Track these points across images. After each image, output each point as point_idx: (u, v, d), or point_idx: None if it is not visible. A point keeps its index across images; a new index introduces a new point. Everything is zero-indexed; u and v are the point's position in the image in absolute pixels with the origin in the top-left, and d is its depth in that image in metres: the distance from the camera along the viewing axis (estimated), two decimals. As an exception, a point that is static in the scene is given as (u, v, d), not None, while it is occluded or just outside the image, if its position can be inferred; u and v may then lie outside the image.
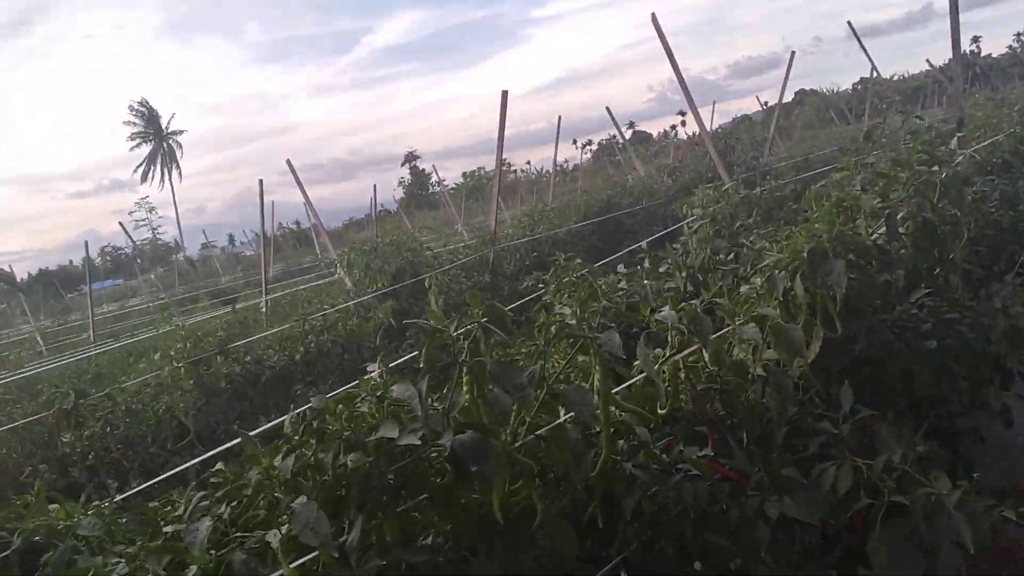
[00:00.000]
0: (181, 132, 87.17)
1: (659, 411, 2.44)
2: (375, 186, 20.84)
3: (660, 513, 2.15)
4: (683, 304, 2.48)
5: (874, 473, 2.44)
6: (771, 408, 2.64)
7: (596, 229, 10.26)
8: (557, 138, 17.16)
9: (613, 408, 2.17)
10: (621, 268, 4.83)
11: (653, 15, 7.00)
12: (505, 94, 8.11)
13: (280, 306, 10.73)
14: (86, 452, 5.34)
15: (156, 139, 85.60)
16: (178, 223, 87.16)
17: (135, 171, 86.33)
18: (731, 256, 4.04)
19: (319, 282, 13.80)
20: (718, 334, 2.58)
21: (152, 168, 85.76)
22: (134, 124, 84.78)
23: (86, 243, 14.89)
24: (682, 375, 2.43)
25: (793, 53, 12.31)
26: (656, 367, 2.37)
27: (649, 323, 2.58)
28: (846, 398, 2.70)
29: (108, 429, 5.38)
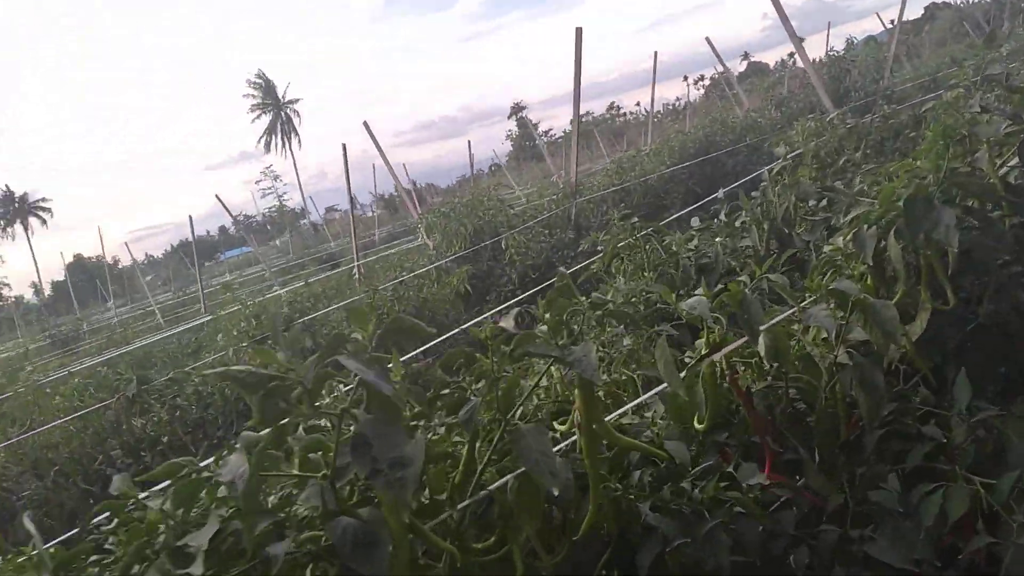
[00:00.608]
0: (297, 100, 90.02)
1: (697, 426, 1.88)
2: (469, 142, 20.41)
3: (691, 570, 1.62)
4: (728, 284, 1.89)
5: (998, 497, 1.81)
6: (858, 407, 2.03)
7: (694, 172, 9.43)
8: (654, 76, 16.12)
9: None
10: (695, 221, 4.19)
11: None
12: (579, 32, 7.42)
13: (373, 271, 10.64)
14: (157, 437, 5.30)
15: (275, 109, 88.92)
16: (300, 189, 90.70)
17: (259, 141, 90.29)
18: (823, 203, 3.32)
19: (411, 245, 13.69)
20: (780, 317, 1.98)
21: (273, 137, 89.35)
22: (253, 96, 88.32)
23: (190, 217, 15.26)
24: (726, 376, 1.86)
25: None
26: (687, 371, 1.81)
27: (679, 313, 2.00)
28: (962, 392, 2.04)
29: (177, 413, 5.31)
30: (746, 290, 1.86)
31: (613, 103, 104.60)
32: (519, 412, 1.64)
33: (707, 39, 13.71)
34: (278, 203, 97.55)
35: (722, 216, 3.84)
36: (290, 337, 1.31)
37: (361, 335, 1.38)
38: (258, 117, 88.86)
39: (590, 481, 1.50)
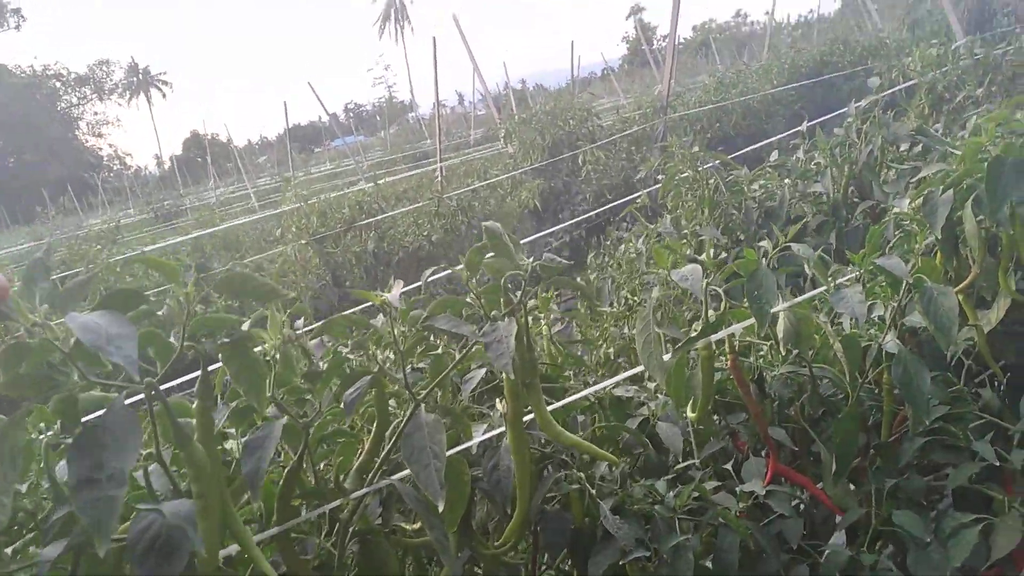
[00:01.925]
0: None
1: (689, 414, 1.60)
2: (572, 43, 19.42)
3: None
4: (745, 249, 1.56)
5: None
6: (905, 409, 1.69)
7: (803, 94, 8.63)
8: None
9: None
10: (775, 156, 3.73)
11: None
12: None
13: (455, 175, 10.43)
14: (215, 326, 5.37)
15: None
16: (409, 81, 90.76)
17: (372, 25, 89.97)
18: (917, 148, 2.83)
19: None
20: (802, 298, 1.64)
21: (387, 24, 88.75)
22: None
23: (284, 104, 15.35)
24: (726, 361, 1.55)
25: None
26: (674, 351, 1.51)
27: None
28: (1032, 407, 1.67)
29: (234, 303, 5.35)
30: (764, 259, 1.52)
31: (740, 10, 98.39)
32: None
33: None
34: (387, 94, 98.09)
35: (800, 153, 3.37)
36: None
37: (180, 294, 1.13)
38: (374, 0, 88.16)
39: (516, 482, 1.27)
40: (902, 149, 2.83)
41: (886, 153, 2.80)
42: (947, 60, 4.79)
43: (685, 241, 2.93)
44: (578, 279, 3.50)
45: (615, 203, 7.14)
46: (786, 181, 2.95)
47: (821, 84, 8.62)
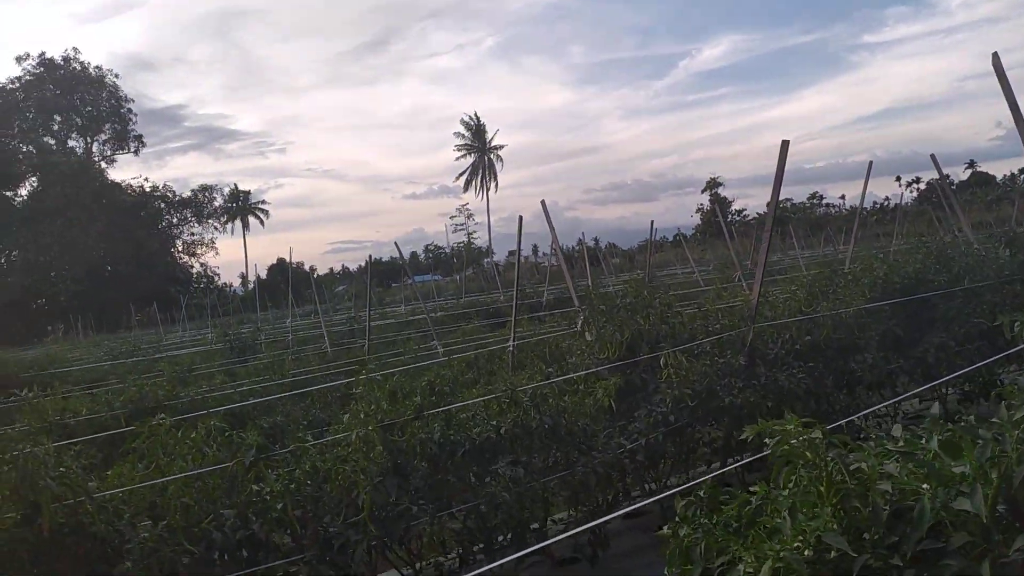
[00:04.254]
0: (502, 147, 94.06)
1: None
2: (652, 222, 19.75)
3: None
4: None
5: None
6: None
7: (897, 310, 8.30)
8: (867, 180, 14.78)
9: None
10: (898, 430, 3.36)
11: (995, 55, 5.23)
12: (785, 144, 6.74)
13: (528, 350, 10.21)
14: (268, 506, 5.15)
15: (480, 151, 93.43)
16: (489, 230, 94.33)
17: (457, 179, 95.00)
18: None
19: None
20: None
21: (474, 178, 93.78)
22: (463, 136, 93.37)
23: (396, 244, 15.75)
24: None
25: None
26: None
27: None
28: None
29: (293, 486, 5.13)
30: None
31: (816, 192, 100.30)
32: None
33: (932, 156, 12.33)
34: (467, 239, 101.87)
35: (934, 440, 3.01)
36: None
37: None
38: (463, 155, 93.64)
39: None
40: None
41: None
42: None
43: (801, 542, 2.57)
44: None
45: (695, 409, 6.80)
46: (924, 487, 2.59)
47: (916, 301, 8.31)
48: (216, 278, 79.25)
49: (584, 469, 6.28)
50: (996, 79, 5.37)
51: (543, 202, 9.47)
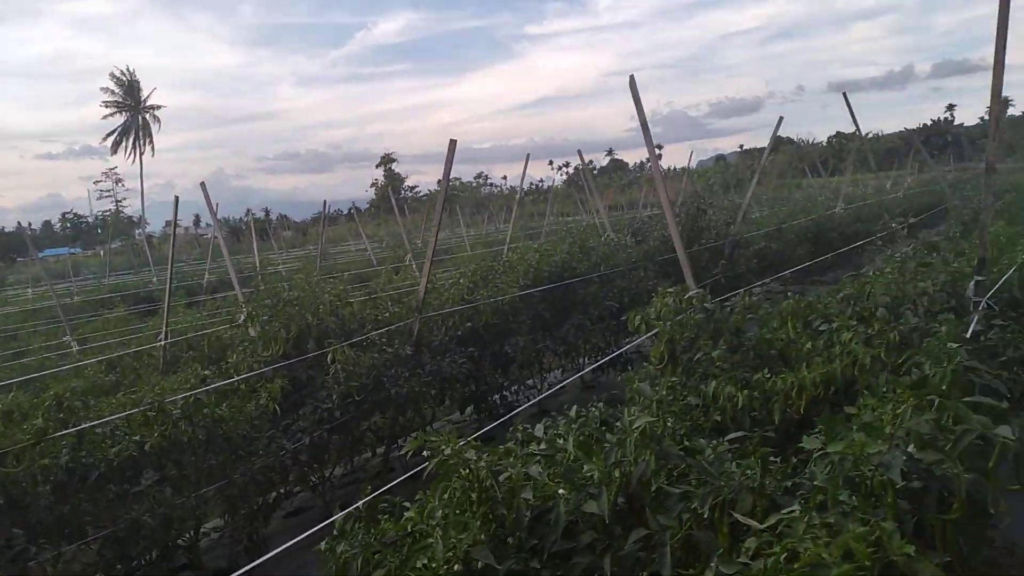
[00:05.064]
0: (159, 107, 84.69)
1: None
2: (325, 202, 19.32)
3: None
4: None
5: None
6: None
7: (546, 295, 9.09)
8: (525, 166, 15.97)
9: None
10: (539, 429, 3.61)
11: (631, 78, 5.90)
12: (453, 143, 6.93)
13: (182, 349, 9.28)
14: None
15: (133, 110, 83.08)
16: (142, 197, 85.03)
17: (105, 139, 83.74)
18: (683, 472, 2.83)
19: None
20: None
21: (125, 139, 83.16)
22: (112, 92, 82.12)
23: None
24: None
25: (781, 119, 11.35)
26: None
27: None
28: None
29: None
30: None
31: (482, 172, 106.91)
32: None
33: (578, 152, 13.73)
34: (114, 208, 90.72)
35: (540, 430, 3.30)
36: None
37: None
38: (112, 114, 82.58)
39: None
40: (673, 470, 2.82)
41: (660, 470, 2.76)
42: (683, 309, 5.20)
43: (452, 556, 2.63)
44: None
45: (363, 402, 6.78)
46: (561, 492, 2.80)
47: (562, 287, 9.17)
48: None
49: (243, 477, 5.93)
50: (636, 76, 5.98)
51: (202, 183, 8.67)
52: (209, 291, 18.28)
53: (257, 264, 18.53)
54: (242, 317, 7.87)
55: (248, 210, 29.06)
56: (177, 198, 9.49)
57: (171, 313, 11.12)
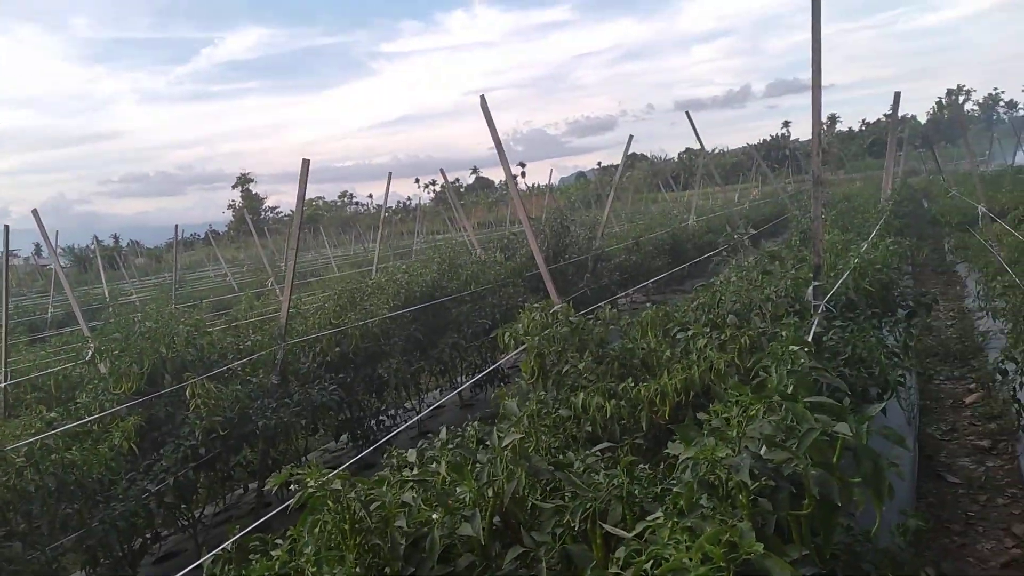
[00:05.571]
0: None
1: None
2: (177, 227, 18.34)
3: None
4: None
5: None
6: None
7: (418, 316, 9.05)
8: (388, 186, 15.85)
9: None
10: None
11: (482, 98, 5.99)
12: (306, 163, 6.78)
13: (25, 385, 8.55)
14: None
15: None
16: (-35, 226, 77.48)
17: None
18: (556, 486, 2.90)
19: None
20: None
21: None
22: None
23: None
24: None
25: (631, 137, 11.90)
26: None
27: None
28: None
29: None
30: None
31: (346, 191, 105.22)
32: None
33: (441, 170, 13.79)
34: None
35: (414, 455, 3.30)
36: None
37: None
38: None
39: None
40: (547, 483, 2.88)
41: (532, 487, 2.82)
42: (550, 323, 5.33)
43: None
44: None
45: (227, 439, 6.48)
46: (435, 517, 2.79)
47: (433, 306, 9.16)
48: None
49: (102, 525, 5.52)
50: (493, 95, 6.09)
51: (35, 211, 8.05)
52: (55, 326, 16.88)
53: (107, 295, 17.35)
54: (89, 353, 7.35)
55: (95, 237, 27.11)
56: (7, 227, 8.75)
57: (11, 352, 10.23)
